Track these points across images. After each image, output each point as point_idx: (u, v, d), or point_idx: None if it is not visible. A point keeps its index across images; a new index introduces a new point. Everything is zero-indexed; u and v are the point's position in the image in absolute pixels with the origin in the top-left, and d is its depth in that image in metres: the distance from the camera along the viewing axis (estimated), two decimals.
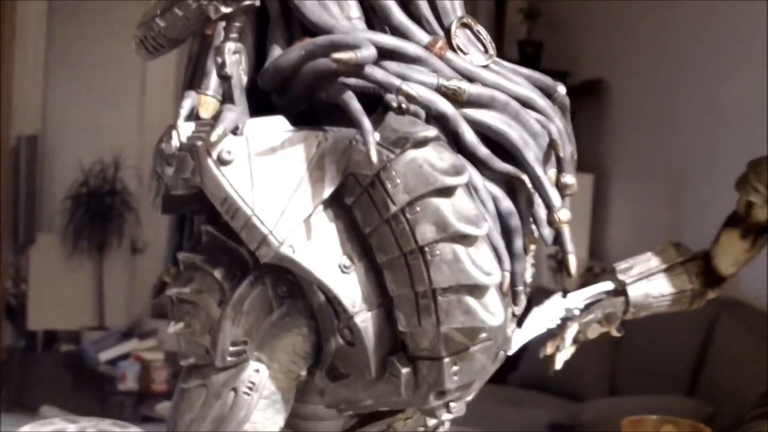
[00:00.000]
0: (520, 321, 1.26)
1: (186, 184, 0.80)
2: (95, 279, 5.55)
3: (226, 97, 0.79)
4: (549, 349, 1.27)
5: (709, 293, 1.35)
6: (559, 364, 1.27)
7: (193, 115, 0.82)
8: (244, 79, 0.82)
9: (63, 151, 5.40)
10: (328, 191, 0.80)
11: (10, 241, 5.30)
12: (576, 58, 4.77)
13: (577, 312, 1.27)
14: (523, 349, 4.15)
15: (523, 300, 0.92)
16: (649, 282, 1.30)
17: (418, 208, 0.78)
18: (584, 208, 4.56)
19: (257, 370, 0.82)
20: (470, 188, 0.81)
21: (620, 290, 1.30)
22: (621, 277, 1.31)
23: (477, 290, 0.79)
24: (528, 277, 0.93)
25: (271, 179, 0.78)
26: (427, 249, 0.78)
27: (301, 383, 0.85)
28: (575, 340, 1.28)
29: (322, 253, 0.79)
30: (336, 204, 0.80)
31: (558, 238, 0.85)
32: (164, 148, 0.81)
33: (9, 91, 5.13)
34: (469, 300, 0.79)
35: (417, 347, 0.80)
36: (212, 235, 0.83)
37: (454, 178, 0.79)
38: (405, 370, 0.81)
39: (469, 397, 0.95)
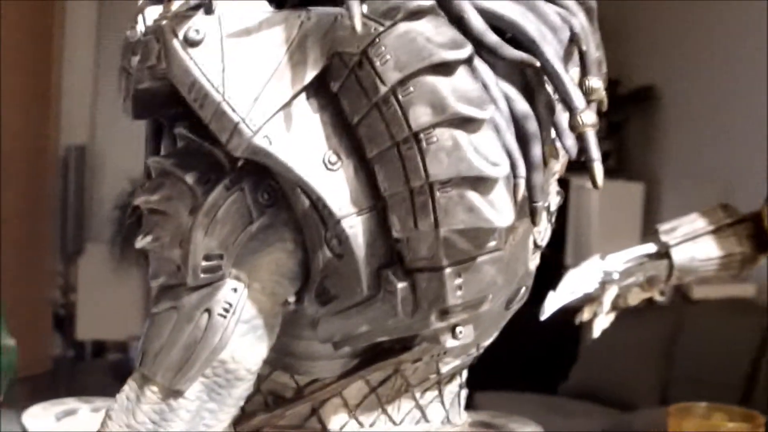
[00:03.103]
0: (554, 284, 1.20)
1: (152, 73, 0.72)
2: (143, 289, 5.56)
3: None
4: (586, 315, 1.20)
5: (760, 258, 1.27)
6: (597, 332, 1.20)
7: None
8: None
9: (111, 160, 5.42)
10: (310, 75, 0.70)
11: (59, 250, 5.34)
12: (626, 66, 4.69)
13: (616, 275, 1.20)
14: (574, 360, 4.07)
15: (545, 226, 0.85)
16: (695, 244, 1.23)
17: (411, 88, 0.68)
18: (635, 217, 4.48)
19: (235, 290, 0.73)
20: (474, 70, 0.72)
21: (663, 253, 1.23)
22: (664, 238, 1.24)
23: (481, 184, 0.69)
24: (553, 204, 0.87)
25: (245, 62, 0.70)
26: (422, 135, 0.68)
27: (290, 314, 0.77)
28: (615, 306, 1.21)
29: (303, 146, 0.70)
30: (321, 93, 0.71)
31: (582, 145, 0.74)
32: (129, 36, 0.74)
33: (58, 100, 5.18)
34: (472, 195, 0.69)
35: (415, 257, 0.71)
36: (187, 138, 0.75)
37: (454, 51, 0.69)
38: (401, 285, 0.71)
39: (486, 341, 0.87)
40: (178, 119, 0.76)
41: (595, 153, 0.74)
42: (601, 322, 1.20)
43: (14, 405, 1.64)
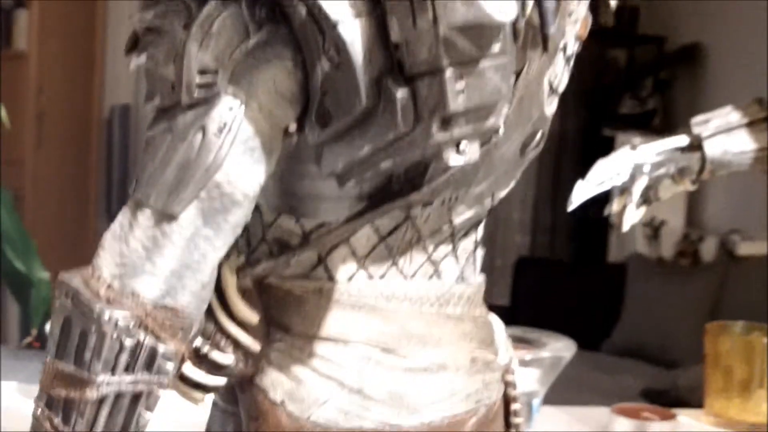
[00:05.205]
0: (582, 173, 1.17)
1: None
2: None
3: None
4: (615, 206, 1.16)
5: None
6: (626, 225, 1.17)
7: None
8: None
9: None
10: None
11: (104, 211, 5.37)
12: (673, 23, 4.64)
13: (647, 167, 1.17)
14: (617, 317, 4.03)
15: (562, 69, 0.82)
16: (729, 137, 1.19)
17: None
18: None
19: (231, 108, 0.71)
20: None
21: (696, 145, 1.20)
22: (696, 130, 1.20)
23: None
24: (570, 48, 0.83)
25: None
26: None
27: (293, 148, 0.75)
28: (646, 200, 1.17)
29: None
30: None
31: None
32: None
33: (102, 60, 5.21)
34: None
35: (414, 61, 0.68)
36: None
37: None
38: (401, 92, 0.68)
39: (501, 191, 0.84)
40: None
41: None
42: (631, 214, 1.17)
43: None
